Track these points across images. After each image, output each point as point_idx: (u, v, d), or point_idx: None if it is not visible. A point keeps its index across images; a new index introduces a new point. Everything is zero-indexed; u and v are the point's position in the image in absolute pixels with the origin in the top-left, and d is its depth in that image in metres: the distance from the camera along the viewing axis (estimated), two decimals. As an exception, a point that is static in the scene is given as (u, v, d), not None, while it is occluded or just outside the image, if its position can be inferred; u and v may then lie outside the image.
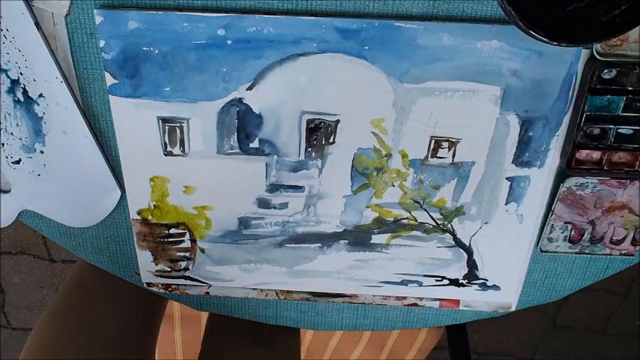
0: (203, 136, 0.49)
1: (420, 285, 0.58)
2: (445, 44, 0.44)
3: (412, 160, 0.50)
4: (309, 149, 0.50)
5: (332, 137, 0.49)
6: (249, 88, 0.47)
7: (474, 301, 0.59)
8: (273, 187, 0.52)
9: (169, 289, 0.59)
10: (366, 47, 0.45)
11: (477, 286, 0.58)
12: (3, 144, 0.51)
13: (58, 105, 0.48)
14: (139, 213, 0.54)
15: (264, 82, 0.47)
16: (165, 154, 0.51)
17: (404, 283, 0.58)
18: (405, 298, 0.59)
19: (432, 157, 0.50)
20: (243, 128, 0.49)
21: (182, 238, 0.56)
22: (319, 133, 0.49)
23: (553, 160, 0.50)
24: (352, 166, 0.51)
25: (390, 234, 0.54)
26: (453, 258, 0.56)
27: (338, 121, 0.48)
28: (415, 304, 0.59)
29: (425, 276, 0.57)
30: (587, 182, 0.50)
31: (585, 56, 0.45)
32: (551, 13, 0.37)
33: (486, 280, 0.57)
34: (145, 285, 0.60)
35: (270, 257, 0.56)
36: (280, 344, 0.72)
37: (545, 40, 0.37)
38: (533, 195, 0.52)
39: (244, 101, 0.48)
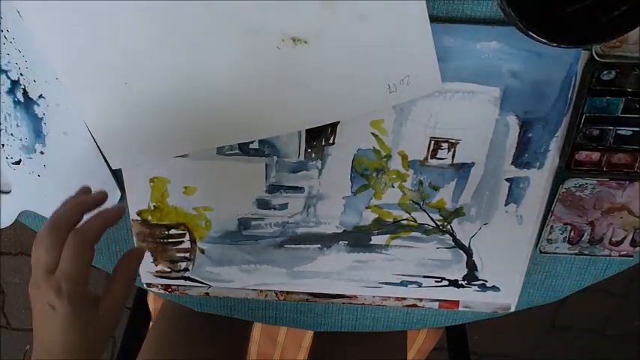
0: (203, 137, 0.49)
1: (420, 286, 0.58)
2: (445, 45, 0.44)
3: (412, 161, 0.50)
4: (309, 150, 0.50)
5: (332, 138, 0.49)
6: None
7: (473, 302, 0.59)
8: (273, 188, 0.52)
9: (169, 290, 0.59)
10: (366, 48, 0.45)
11: (476, 287, 0.58)
12: (3, 145, 0.51)
13: (58, 106, 0.48)
14: (139, 214, 0.54)
15: (264, 83, 0.47)
16: (165, 155, 0.51)
17: (403, 284, 0.58)
18: (404, 299, 0.59)
19: (432, 158, 0.50)
20: (243, 129, 0.49)
21: (182, 239, 0.56)
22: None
23: (552, 161, 0.50)
24: (352, 167, 0.51)
25: (389, 235, 0.54)
26: (453, 259, 0.56)
27: (337, 122, 0.48)
28: (415, 305, 0.59)
29: (424, 277, 0.57)
30: (586, 183, 0.50)
31: (585, 57, 0.45)
32: (551, 14, 0.37)
33: (486, 281, 0.57)
34: (145, 286, 0.60)
35: (269, 258, 0.56)
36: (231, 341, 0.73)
37: (544, 42, 0.37)
38: (533, 196, 0.52)
39: (244, 102, 0.48)
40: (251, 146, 0.50)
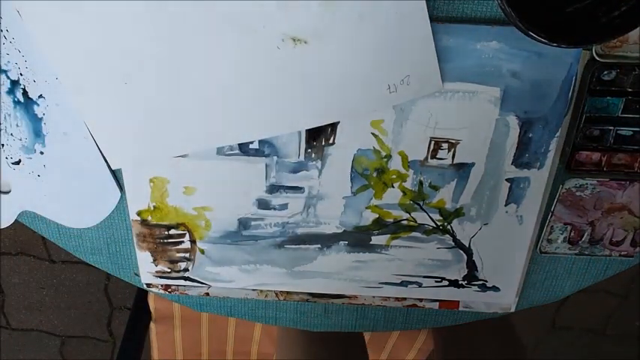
0: (203, 137, 0.49)
1: (420, 286, 0.58)
2: (445, 45, 0.44)
3: (412, 162, 0.50)
4: (309, 150, 0.50)
5: (332, 138, 0.49)
6: (249, 89, 0.47)
7: (473, 302, 0.59)
8: (273, 188, 0.52)
9: (169, 290, 0.59)
10: (366, 48, 0.45)
11: (476, 287, 0.58)
12: (3, 145, 0.51)
13: (57, 106, 0.48)
14: (138, 214, 0.54)
15: (264, 83, 0.47)
16: (165, 155, 0.51)
17: (403, 284, 0.58)
18: (404, 299, 0.59)
19: (432, 158, 0.50)
20: (243, 129, 0.49)
21: (182, 239, 0.56)
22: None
23: (553, 161, 0.50)
24: (352, 167, 0.51)
25: (389, 235, 0.54)
26: (453, 259, 0.56)
27: (337, 122, 0.48)
28: (415, 305, 0.59)
29: (424, 277, 0.57)
30: (586, 183, 0.50)
31: (585, 57, 0.45)
32: (551, 14, 0.37)
33: (486, 281, 0.57)
34: (144, 286, 0.60)
35: (269, 258, 0.56)
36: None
37: (544, 42, 0.37)
38: (533, 196, 0.52)
39: (244, 102, 0.48)
40: (251, 146, 0.50)
